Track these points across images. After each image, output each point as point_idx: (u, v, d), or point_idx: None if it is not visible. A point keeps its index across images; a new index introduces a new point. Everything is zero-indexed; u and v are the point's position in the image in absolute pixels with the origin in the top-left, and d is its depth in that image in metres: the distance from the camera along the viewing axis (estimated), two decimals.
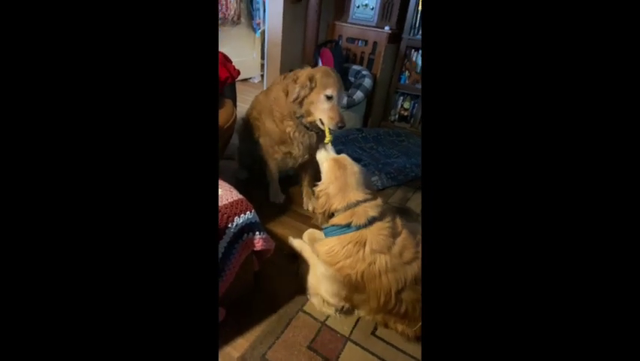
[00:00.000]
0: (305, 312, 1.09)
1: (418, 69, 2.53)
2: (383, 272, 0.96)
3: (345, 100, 1.32)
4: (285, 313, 1.08)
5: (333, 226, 1.05)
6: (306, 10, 2.39)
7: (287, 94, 1.31)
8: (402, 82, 2.59)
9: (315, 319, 1.07)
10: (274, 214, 1.54)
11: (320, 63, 2.42)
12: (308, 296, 1.14)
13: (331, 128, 1.25)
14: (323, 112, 1.26)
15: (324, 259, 1.04)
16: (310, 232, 1.35)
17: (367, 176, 1.13)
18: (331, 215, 1.06)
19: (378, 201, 1.06)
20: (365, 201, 1.03)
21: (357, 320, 1.08)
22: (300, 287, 1.16)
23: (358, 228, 1.00)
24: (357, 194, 1.04)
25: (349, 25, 2.53)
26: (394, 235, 1.02)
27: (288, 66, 2.49)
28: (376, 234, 1.00)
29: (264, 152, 1.51)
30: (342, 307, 1.08)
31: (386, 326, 1.06)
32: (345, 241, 1.01)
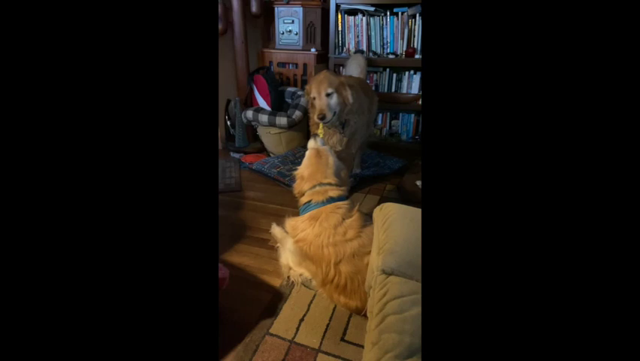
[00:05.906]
0: (272, 335, 1.06)
1: None
2: (325, 245, 1.11)
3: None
4: (251, 340, 1.04)
5: (302, 206, 1.24)
6: (232, 41, 2.45)
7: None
8: None
9: (282, 339, 1.05)
10: (228, 243, 1.51)
11: (255, 89, 2.47)
12: (284, 275, 1.28)
13: (316, 121, 1.56)
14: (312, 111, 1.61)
15: (289, 231, 1.23)
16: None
17: (339, 168, 1.34)
18: (303, 195, 1.26)
19: (342, 188, 1.25)
20: (329, 184, 1.22)
21: (325, 330, 1.08)
22: (264, 311, 1.14)
23: (317, 205, 1.18)
24: (324, 178, 1.23)
25: (277, 51, 2.63)
26: (346, 216, 1.16)
27: (224, 96, 2.50)
28: (330, 212, 1.15)
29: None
30: (301, 274, 1.26)
31: (331, 299, 1.16)
32: (305, 217, 1.18)
